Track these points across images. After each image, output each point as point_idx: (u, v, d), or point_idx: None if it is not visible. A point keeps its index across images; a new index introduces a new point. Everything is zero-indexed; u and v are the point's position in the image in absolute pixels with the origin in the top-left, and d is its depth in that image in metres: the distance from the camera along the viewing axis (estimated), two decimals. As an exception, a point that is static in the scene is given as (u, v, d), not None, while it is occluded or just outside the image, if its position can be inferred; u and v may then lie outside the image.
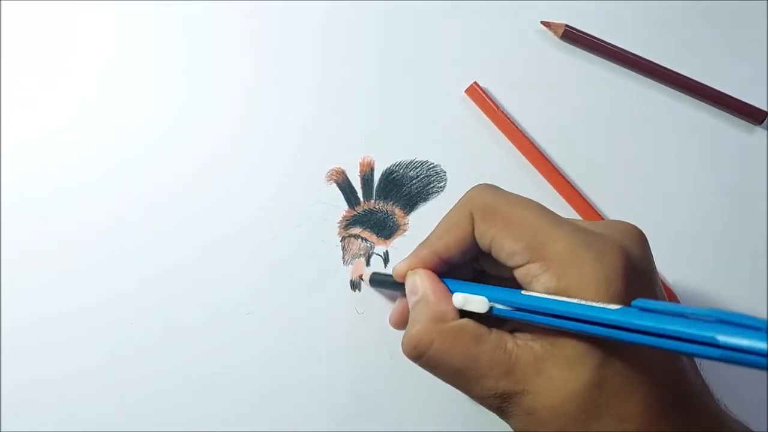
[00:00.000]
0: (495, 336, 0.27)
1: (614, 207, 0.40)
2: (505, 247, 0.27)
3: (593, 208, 0.39)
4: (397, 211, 0.39)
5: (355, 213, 0.39)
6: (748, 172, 0.41)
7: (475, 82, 0.40)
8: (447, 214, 0.30)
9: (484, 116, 0.40)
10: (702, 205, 0.40)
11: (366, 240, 0.39)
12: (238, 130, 0.39)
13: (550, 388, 0.25)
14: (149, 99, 0.39)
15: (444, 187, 0.39)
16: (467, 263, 0.31)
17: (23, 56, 0.39)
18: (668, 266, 0.39)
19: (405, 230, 0.39)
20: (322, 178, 0.39)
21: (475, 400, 0.28)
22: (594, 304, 0.24)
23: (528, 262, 0.27)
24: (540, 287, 0.26)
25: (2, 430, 0.37)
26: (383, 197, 0.39)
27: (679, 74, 0.40)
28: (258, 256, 0.38)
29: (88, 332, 0.38)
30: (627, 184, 0.40)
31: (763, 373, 0.38)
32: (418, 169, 0.39)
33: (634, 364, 0.25)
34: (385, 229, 0.39)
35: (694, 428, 0.26)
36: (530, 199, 0.29)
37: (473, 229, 0.29)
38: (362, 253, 0.39)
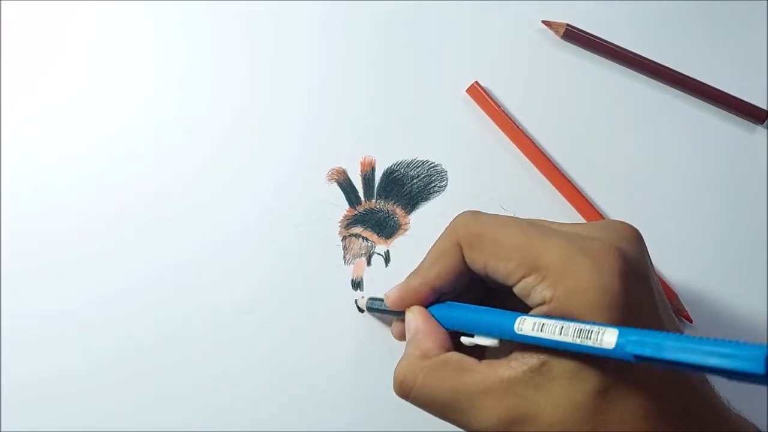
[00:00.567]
0: (484, 365, 0.27)
1: (615, 206, 0.40)
2: (499, 269, 0.27)
3: (594, 208, 0.39)
4: (398, 211, 0.39)
5: (356, 212, 0.39)
6: (749, 171, 0.41)
7: (476, 82, 0.40)
8: (435, 245, 0.31)
9: (485, 116, 0.40)
10: (702, 204, 0.40)
11: (367, 239, 0.39)
12: (239, 129, 0.39)
13: (551, 404, 0.25)
14: (148, 98, 0.39)
15: (445, 186, 0.39)
16: (476, 281, 0.31)
17: (23, 56, 0.39)
18: (668, 265, 0.39)
19: (406, 230, 0.39)
20: (323, 177, 0.39)
21: None
22: (589, 341, 0.23)
23: (523, 277, 0.26)
24: (537, 298, 0.26)
25: (2, 430, 0.37)
26: (384, 197, 0.39)
27: (680, 73, 0.40)
28: (259, 256, 0.38)
29: (89, 331, 0.38)
30: (627, 183, 0.40)
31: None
32: (419, 168, 0.39)
33: (635, 369, 0.25)
34: (386, 228, 0.39)
35: (695, 427, 0.26)
36: (515, 218, 0.29)
37: (462, 258, 0.29)
38: (363, 252, 0.39)
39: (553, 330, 0.24)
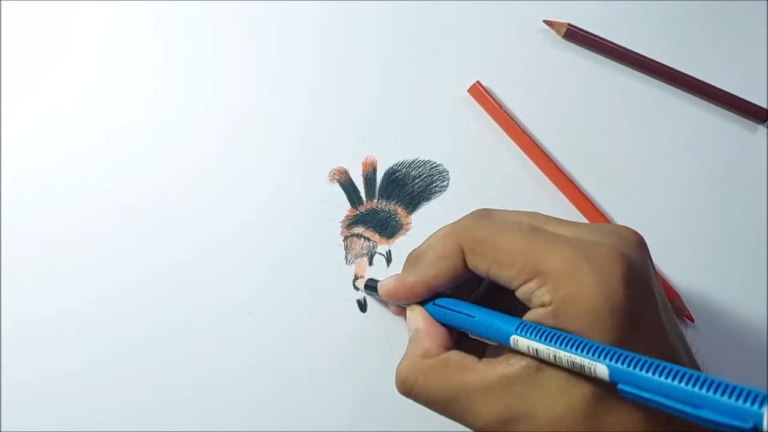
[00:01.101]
0: (484, 364, 0.27)
1: (616, 205, 0.40)
2: (502, 274, 0.27)
3: (595, 207, 0.39)
4: (400, 211, 0.39)
5: (358, 212, 0.39)
6: (750, 170, 0.41)
7: (478, 81, 0.40)
8: (436, 244, 0.31)
9: (487, 115, 0.40)
10: (703, 204, 0.40)
11: (368, 239, 0.39)
12: (240, 129, 0.39)
13: (547, 403, 0.25)
14: (149, 98, 0.39)
15: (446, 186, 0.39)
16: (459, 286, 0.31)
17: (23, 56, 0.39)
18: (668, 265, 0.39)
19: (407, 230, 0.39)
20: (325, 177, 0.39)
21: (472, 430, 0.28)
22: (583, 372, 0.24)
23: (525, 282, 0.27)
24: (537, 302, 0.26)
25: (2, 430, 0.37)
26: (386, 197, 0.39)
27: (682, 73, 0.40)
28: (260, 255, 0.38)
29: (89, 331, 0.38)
30: (628, 183, 0.40)
31: (762, 375, 0.38)
32: (421, 168, 0.39)
33: None
34: (388, 228, 0.39)
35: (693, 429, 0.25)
36: (520, 222, 0.29)
37: (463, 261, 0.29)
38: (365, 252, 0.39)
39: (546, 355, 0.25)
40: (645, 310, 0.26)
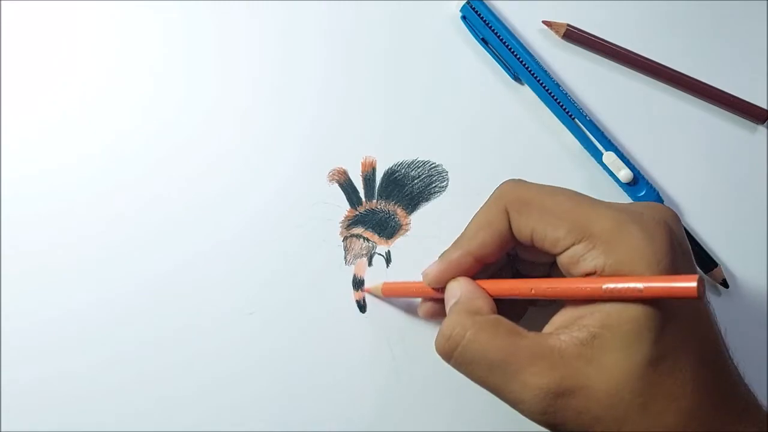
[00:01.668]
0: (534, 334, 0.27)
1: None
2: (548, 235, 0.27)
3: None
4: (399, 211, 0.39)
5: (357, 213, 0.39)
6: (749, 170, 0.41)
7: (477, 82, 0.40)
8: (477, 214, 0.30)
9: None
10: (703, 204, 0.40)
11: (368, 240, 0.39)
12: (240, 130, 0.39)
13: (604, 376, 0.25)
14: (152, 98, 0.39)
15: (446, 187, 0.39)
16: (505, 266, 0.31)
17: (23, 57, 0.39)
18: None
19: (407, 230, 0.39)
20: (324, 178, 0.39)
21: (514, 404, 0.26)
22: None
23: (573, 244, 0.26)
24: (587, 266, 0.26)
25: (2, 430, 0.37)
26: (385, 197, 0.39)
27: (681, 73, 0.40)
28: (260, 256, 0.38)
29: (90, 332, 0.38)
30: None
31: (762, 370, 0.39)
32: (420, 168, 0.39)
33: (685, 341, 0.25)
34: (387, 229, 0.39)
35: (735, 407, 0.26)
36: (563, 187, 0.29)
37: (509, 224, 0.29)
38: (364, 253, 0.39)
39: None
40: (687, 272, 0.26)
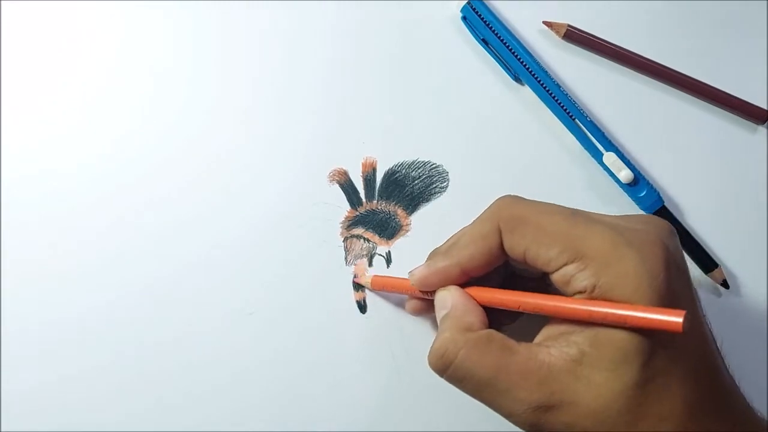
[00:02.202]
0: (525, 348, 0.27)
1: (615, 206, 0.40)
2: (540, 254, 0.27)
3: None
4: (399, 212, 0.39)
5: (358, 213, 0.39)
6: (749, 170, 0.41)
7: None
8: (471, 226, 0.30)
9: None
10: (703, 204, 0.40)
11: (368, 240, 0.39)
12: (240, 131, 0.39)
13: (591, 393, 0.25)
14: (153, 99, 0.39)
15: (446, 187, 0.39)
16: (496, 268, 0.31)
17: (23, 57, 0.39)
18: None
19: (407, 231, 0.39)
20: (325, 178, 0.39)
21: (506, 416, 0.27)
22: None
23: (565, 264, 0.26)
24: (579, 286, 0.26)
25: (2, 430, 0.37)
26: (385, 198, 0.39)
27: (681, 74, 0.40)
28: (260, 257, 0.38)
29: (90, 334, 0.38)
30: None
31: (762, 370, 0.39)
32: (421, 169, 0.39)
33: (675, 362, 0.25)
34: (388, 229, 0.39)
35: (728, 425, 0.26)
36: (558, 205, 0.29)
37: (500, 242, 0.29)
38: (365, 253, 0.39)
39: None
40: (682, 294, 0.26)
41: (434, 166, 0.39)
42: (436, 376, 0.37)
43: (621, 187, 0.39)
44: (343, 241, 0.39)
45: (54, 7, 0.39)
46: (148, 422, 0.37)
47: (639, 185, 0.39)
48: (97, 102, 0.39)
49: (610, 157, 0.38)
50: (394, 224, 0.39)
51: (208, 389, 0.38)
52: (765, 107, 0.40)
